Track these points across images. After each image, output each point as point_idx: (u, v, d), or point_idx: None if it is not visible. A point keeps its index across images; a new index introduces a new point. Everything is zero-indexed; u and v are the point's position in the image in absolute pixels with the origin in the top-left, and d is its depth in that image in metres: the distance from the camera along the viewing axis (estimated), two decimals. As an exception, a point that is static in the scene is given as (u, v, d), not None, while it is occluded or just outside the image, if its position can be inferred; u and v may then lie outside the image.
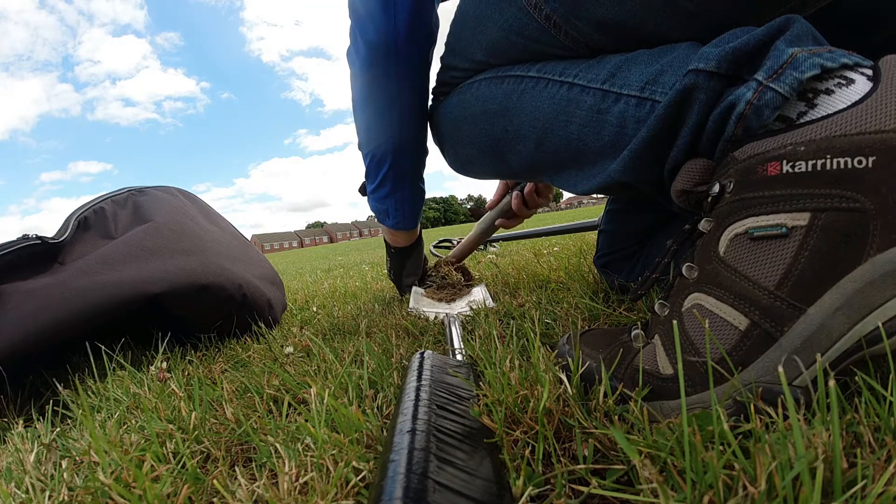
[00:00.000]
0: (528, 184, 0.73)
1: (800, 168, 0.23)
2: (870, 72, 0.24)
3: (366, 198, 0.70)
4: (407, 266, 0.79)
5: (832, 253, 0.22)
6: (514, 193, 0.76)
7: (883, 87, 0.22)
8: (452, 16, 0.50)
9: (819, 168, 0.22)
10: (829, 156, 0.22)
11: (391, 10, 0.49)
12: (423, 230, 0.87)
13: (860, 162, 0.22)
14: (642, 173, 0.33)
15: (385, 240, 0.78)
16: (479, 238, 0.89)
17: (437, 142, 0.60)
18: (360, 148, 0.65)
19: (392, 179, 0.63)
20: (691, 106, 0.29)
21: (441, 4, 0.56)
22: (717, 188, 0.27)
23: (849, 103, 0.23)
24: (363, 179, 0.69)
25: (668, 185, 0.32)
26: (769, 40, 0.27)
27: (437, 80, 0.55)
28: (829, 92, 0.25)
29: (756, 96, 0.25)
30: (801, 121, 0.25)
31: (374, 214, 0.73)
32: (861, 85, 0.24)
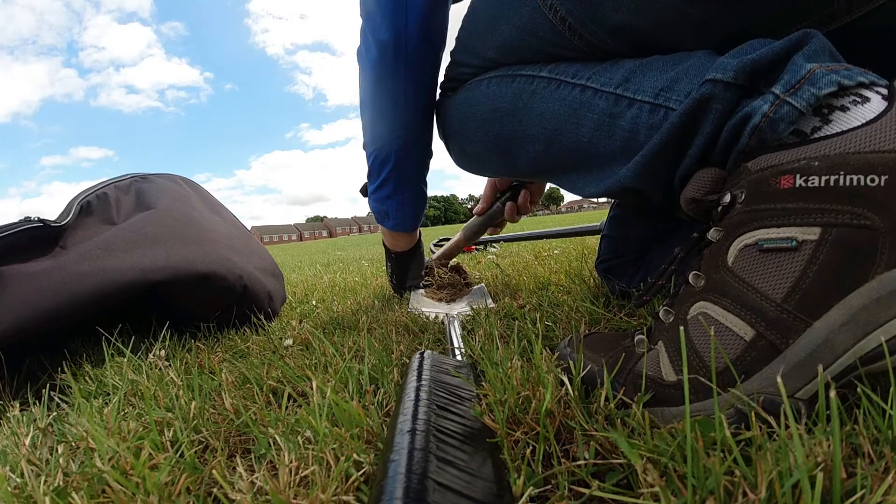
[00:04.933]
0: (522, 191, 0.73)
1: (813, 182, 0.23)
2: (885, 91, 0.24)
3: (366, 199, 0.69)
4: (411, 269, 0.79)
5: (840, 268, 0.22)
6: (508, 204, 0.75)
7: (898, 106, 0.23)
8: (464, 13, 0.49)
9: (832, 184, 0.23)
10: (842, 172, 0.22)
11: (403, 10, 0.48)
12: (423, 228, 0.87)
13: (872, 180, 0.22)
14: (652, 179, 0.34)
15: (385, 245, 0.77)
16: (464, 242, 0.89)
17: (443, 137, 0.59)
18: (364, 148, 0.64)
19: (395, 180, 0.63)
20: (706, 115, 0.29)
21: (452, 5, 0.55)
22: (728, 198, 0.27)
23: (863, 121, 0.24)
24: (364, 180, 0.68)
25: (678, 193, 0.32)
26: (787, 54, 0.27)
27: (446, 76, 0.55)
28: (844, 109, 0.25)
29: (773, 109, 0.26)
30: (815, 136, 0.25)
31: (373, 215, 0.72)
32: (876, 104, 0.24)
